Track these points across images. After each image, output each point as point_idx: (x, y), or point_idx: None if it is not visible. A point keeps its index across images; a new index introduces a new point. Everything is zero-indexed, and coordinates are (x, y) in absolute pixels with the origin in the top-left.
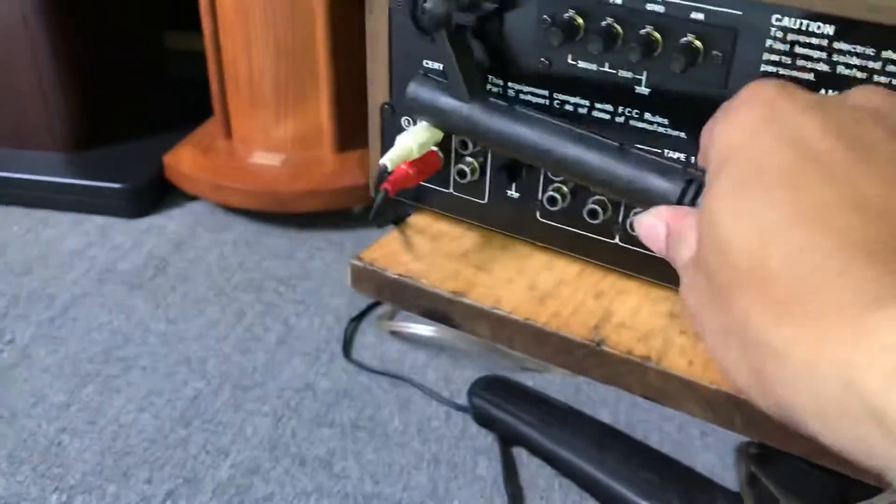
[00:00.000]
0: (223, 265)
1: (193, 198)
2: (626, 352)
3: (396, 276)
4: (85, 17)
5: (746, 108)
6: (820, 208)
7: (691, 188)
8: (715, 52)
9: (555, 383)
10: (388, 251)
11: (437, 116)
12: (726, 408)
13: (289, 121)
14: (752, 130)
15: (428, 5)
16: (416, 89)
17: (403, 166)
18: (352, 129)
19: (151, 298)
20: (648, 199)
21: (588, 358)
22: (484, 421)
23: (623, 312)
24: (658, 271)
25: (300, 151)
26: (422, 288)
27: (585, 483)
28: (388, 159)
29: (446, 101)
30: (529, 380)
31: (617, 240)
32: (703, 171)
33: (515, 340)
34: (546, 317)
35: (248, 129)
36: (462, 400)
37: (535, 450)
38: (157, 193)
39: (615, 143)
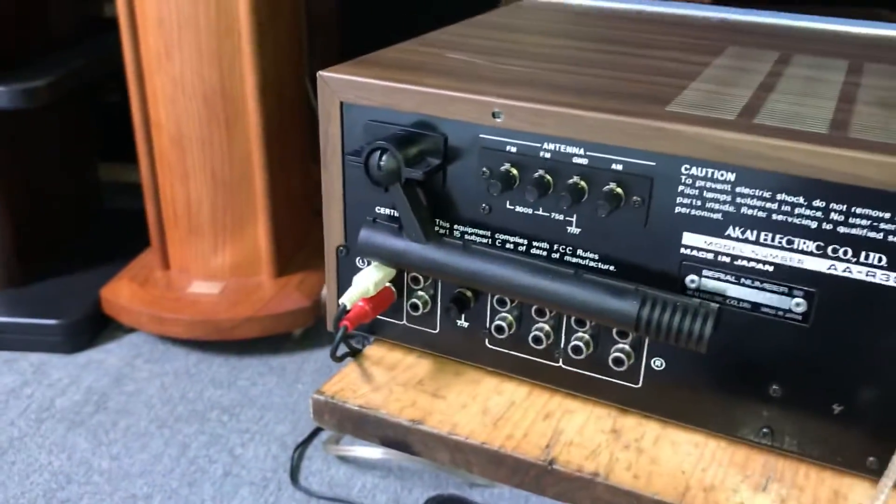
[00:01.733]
0: (165, 397)
1: (132, 330)
2: (576, 469)
3: (357, 408)
4: (17, 152)
5: None
6: None
7: (646, 305)
8: (635, 198)
9: (504, 497)
10: (347, 383)
11: (391, 258)
12: None
13: (227, 249)
14: None
15: (382, 163)
16: (368, 235)
17: (361, 303)
18: (289, 253)
19: (93, 435)
20: (609, 318)
21: (542, 477)
22: None
23: (571, 431)
24: (599, 390)
25: (239, 278)
26: (382, 418)
27: None
28: (348, 298)
29: (402, 244)
30: (479, 496)
31: (560, 363)
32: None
33: (473, 464)
34: (500, 440)
35: (186, 259)
36: None
37: None
38: (95, 327)
39: (569, 271)
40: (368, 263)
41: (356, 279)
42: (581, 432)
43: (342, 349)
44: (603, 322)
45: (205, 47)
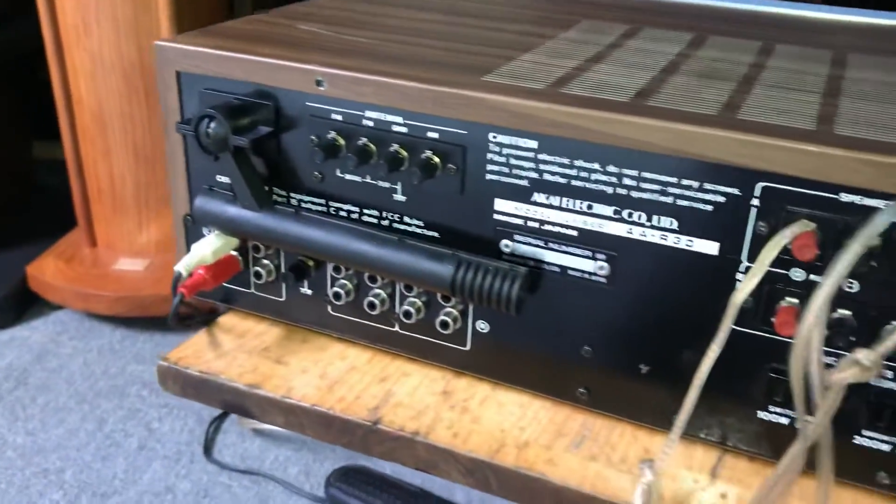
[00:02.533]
0: (87, 373)
1: (59, 307)
2: (398, 429)
3: (198, 374)
4: None
5: None
6: None
7: (461, 269)
8: (450, 165)
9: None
10: (194, 350)
11: (226, 226)
12: (483, 472)
13: (151, 225)
14: None
15: (209, 130)
16: (203, 203)
17: (200, 271)
18: None
19: (10, 411)
20: (427, 282)
21: (367, 437)
22: None
23: (402, 393)
24: (432, 353)
25: (164, 255)
26: (221, 383)
27: None
28: (183, 266)
29: (235, 212)
30: (388, 467)
31: (397, 328)
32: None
33: (305, 426)
34: (332, 402)
35: (112, 236)
36: (323, 492)
37: None
38: (21, 305)
39: (394, 238)
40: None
41: (194, 247)
42: (412, 394)
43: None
44: (423, 286)
45: (122, 20)
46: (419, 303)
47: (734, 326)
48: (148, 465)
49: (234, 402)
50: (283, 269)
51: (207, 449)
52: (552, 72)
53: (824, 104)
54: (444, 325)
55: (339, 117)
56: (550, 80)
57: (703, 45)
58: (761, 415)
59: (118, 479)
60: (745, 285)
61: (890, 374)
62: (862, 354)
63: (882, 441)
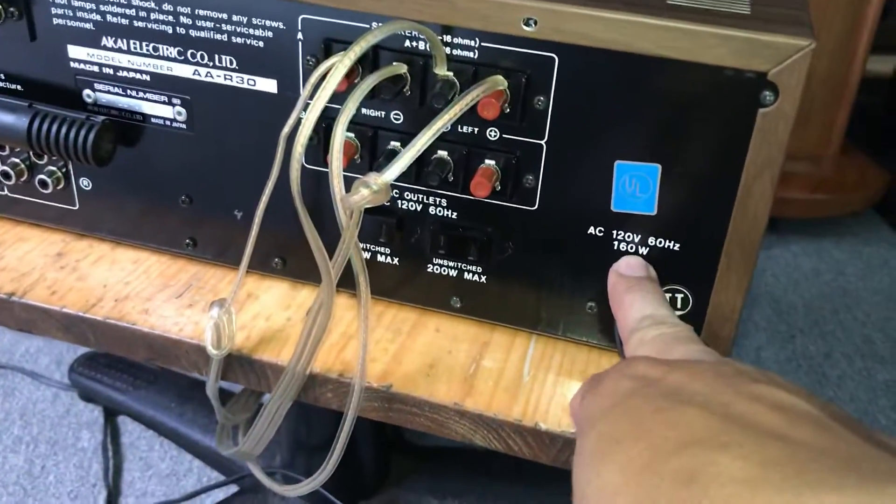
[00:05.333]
0: None
1: None
2: None
3: None
4: None
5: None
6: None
7: (36, 120)
8: (12, 9)
9: None
10: None
11: None
12: (79, 327)
13: None
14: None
15: None
16: None
17: None
18: None
19: None
20: (3, 136)
21: None
22: (86, 395)
23: (12, 257)
24: (42, 215)
25: None
26: None
27: (172, 437)
28: None
29: None
30: None
31: (5, 191)
32: None
33: None
34: None
35: None
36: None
37: (131, 414)
38: None
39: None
40: None
41: None
42: (22, 258)
43: None
44: (1, 140)
45: None
46: (20, 163)
47: (308, 165)
48: None
49: None
50: None
51: None
52: None
53: None
54: (43, 183)
55: None
56: None
57: None
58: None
59: None
60: (290, 119)
61: (444, 202)
62: (371, 178)
63: (449, 267)
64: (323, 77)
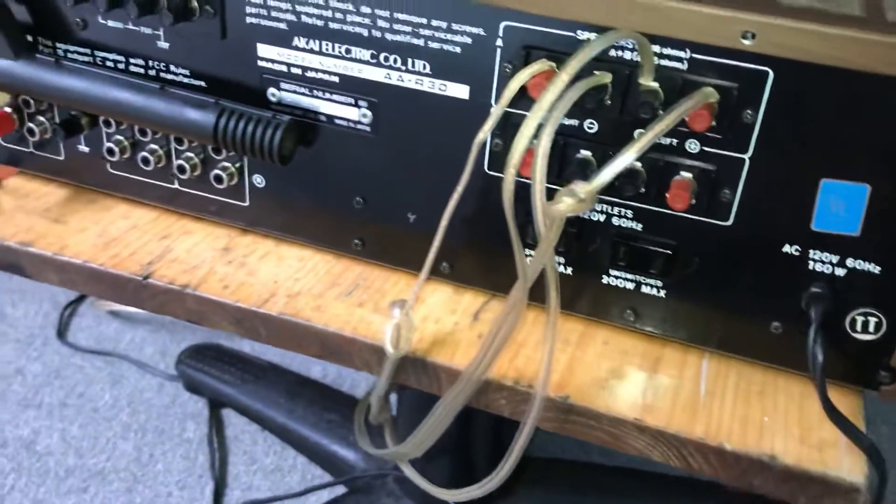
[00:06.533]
0: None
1: None
2: (169, 282)
3: None
4: None
5: None
6: None
7: (223, 117)
8: (207, 7)
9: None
10: None
11: None
12: (251, 321)
13: None
14: None
15: None
16: None
17: None
18: None
19: None
20: (190, 131)
21: (139, 291)
22: (192, 387)
23: (181, 249)
24: (212, 210)
25: None
26: None
27: (279, 432)
28: None
29: None
30: (247, 345)
31: (176, 185)
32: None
33: (77, 283)
34: (104, 258)
35: None
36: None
37: (237, 407)
38: None
39: (156, 86)
40: None
41: None
42: (191, 251)
43: None
44: (187, 136)
45: None
46: (195, 158)
47: (490, 171)
48: None
49: (8, 261)
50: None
51: (61, 332)
52: None
53: None
54: (219, 178)
55: None
56: None
57: None
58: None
59: None
60: (486, 125)
61: (630, 213)
62: (578, 187)
63: (626, 280)
64: (523, 86)
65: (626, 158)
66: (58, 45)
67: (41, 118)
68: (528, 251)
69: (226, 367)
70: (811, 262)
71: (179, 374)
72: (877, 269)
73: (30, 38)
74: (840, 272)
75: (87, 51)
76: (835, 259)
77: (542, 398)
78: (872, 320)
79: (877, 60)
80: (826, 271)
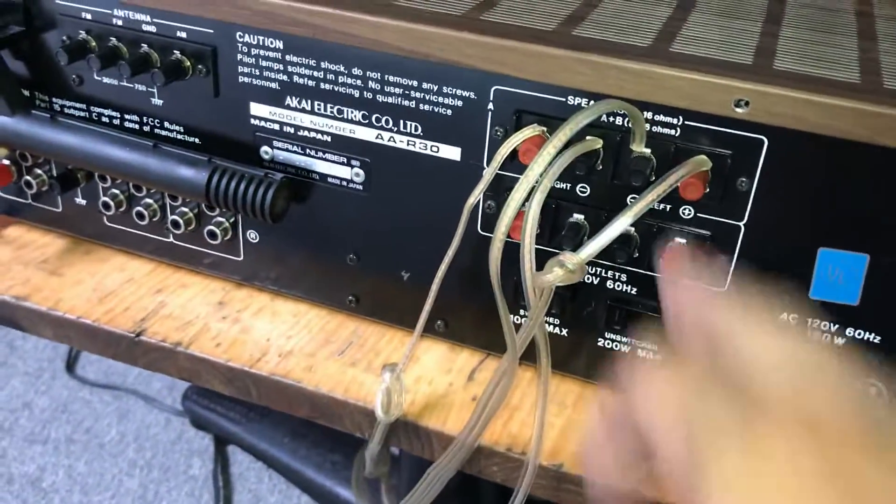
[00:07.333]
0: None
1: None
2: (161, 340)
3: None
4: None
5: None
6: None
7: (215, 175)
8: (200, 67)
9: None
10: None
11: None
12: (243, 381)
13: None
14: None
15: None
16: None
17: None
18: None
19: None
20: (183, 188)
21: (132, 348)
22: (198, 423)
23: (175, 304)
24: (209, 264)
25: None
26: None
27: (283, 471)
28: None
29: None
30: None
31: (171, 239)
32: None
33: (73, 338)
34: (98, 314)
35: None
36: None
37: (242, 445)
38: None
39: (149, 143)
40: None
41: None
42: (185, 306)
43: None
44: (180, 193)
45: None
46: (189, 213)
47: (483, 232)
48: (6, 382)
49: (4, 316)
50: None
51: (70, 365)
52: None
53: (582, 4)
54: (212, 234)
55: (89, 16)
56: None
57: None
58: (515, 319)
59: None
60: (476, 190)
61: (624, 276)
62: (567, 258)
63: (622, 343)
64: (514, 150)
65: (616, 228)
66: (54, 99)
67: (38, 171)
68: (523, 312)
69: (232, 404)
70: (810, 332)
71: (186, 410)
72: (877, 339)
73: (27, 92)
74: (840, 341)
75: (84, 106)
76: (834, 328)
77: (534, 466)
78: (873, 390)
79: (873, 131)
80: (825, 340)
